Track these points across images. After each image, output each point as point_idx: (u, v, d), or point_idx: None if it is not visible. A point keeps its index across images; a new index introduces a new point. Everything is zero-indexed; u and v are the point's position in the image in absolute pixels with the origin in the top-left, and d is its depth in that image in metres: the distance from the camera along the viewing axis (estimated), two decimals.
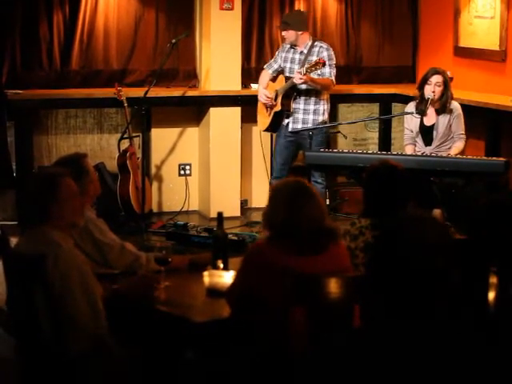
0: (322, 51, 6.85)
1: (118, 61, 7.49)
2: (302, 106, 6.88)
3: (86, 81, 7.41)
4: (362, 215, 4.07)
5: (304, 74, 6.61)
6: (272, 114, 6.98)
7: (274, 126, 7.04)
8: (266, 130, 7.17)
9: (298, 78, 6.64)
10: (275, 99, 6.94)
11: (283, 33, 6.94)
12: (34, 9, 7.19)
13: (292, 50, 6.98)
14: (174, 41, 7.17)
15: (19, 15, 7.12)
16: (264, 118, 7.10)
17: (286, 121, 6.94)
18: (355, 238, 3.96)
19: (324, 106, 6.92)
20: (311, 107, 6.88)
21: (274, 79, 7.10)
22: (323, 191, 6.91)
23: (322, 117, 6.91)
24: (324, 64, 6.61)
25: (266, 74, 7.15)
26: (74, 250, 3.52)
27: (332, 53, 6.92)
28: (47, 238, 3.47)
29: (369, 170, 4.18)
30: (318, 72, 6.73)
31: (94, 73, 7.45)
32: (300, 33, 6.89)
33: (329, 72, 6.80)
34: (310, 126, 6.82)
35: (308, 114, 6.88)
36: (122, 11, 7.46)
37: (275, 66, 7.08)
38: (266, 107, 7.03)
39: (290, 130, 6.91)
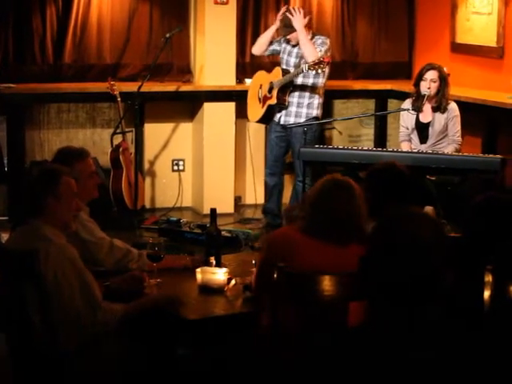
0: (318, 39, 6.71)
1: (111, 55, 7.45)
2: (296, 100, 6.77)
3: (78, 75, 7.36)
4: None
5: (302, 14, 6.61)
6: (266, 106, 6.86)
7: (267, 119, 6.93)
8: (258, 121, 7.07)
9: (298, 18, 6.59)
10: (270, 91, 6.85)
11: (288, 36, 6.74)
12: (26, 2, 7.15)
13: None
14: (167, 35, 7.13)
15: (12, 8, 7.06)
16: (256, 109, 6.97)
17: (278, 115, 6.83)
18: None
19: (318, 100, 6.80)
20: (305, 101, 6.77)
21: (270, 69, 6.94)
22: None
23: (316, 111, 6.79)
24: (328, 63, 6.44)
25: None
26: (66, 245, 3.50)
27: (328, 41, 6.73)
28: (38, 234, 3.46)
29: (374, 171, 4.05)
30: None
31: (87, 67, 7.40)
32: None
33: (319, 50, 6.59)
34: (303, 119, 6.70)
35: (302, 108, 6.77)
36: (116, 5, 7.41)
37: (277, 48, 6.90)
38: (259, 98, 6.93)
39: (281, 123, 6.81)
